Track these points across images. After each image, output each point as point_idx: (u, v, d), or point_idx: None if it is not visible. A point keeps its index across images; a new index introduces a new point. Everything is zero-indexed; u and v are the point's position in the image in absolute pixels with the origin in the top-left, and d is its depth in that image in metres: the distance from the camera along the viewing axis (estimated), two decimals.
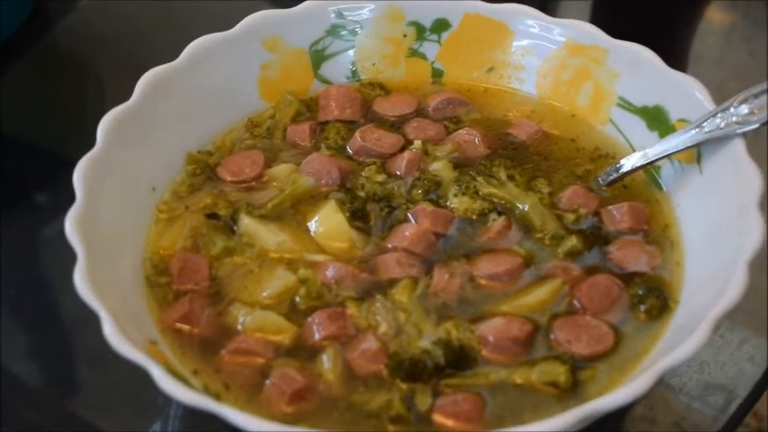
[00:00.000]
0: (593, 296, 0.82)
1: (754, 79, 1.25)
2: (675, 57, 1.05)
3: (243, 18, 0.96)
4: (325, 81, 1.00)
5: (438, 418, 0.76)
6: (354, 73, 1.01)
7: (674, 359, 0.71)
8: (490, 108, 0.99)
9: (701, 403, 0.87)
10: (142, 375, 0.73)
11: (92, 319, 0.74)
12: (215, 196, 0.91)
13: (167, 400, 0.81)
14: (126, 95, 0.89)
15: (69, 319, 0.97)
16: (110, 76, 1.21)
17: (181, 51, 0.93)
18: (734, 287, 0.74)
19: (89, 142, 0.85)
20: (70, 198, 0.81)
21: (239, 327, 0.81)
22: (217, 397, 0.76)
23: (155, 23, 1.27)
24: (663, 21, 1.28)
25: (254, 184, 0.92)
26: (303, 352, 0.80)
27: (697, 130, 0.86)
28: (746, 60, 1.30)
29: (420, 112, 0.98)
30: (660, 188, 0.90)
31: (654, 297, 0.82)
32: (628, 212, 0.88)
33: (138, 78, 0.91)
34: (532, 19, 0.97)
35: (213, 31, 0.95)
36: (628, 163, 0.90)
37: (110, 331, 0.73)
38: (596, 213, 0.89)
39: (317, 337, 0.80)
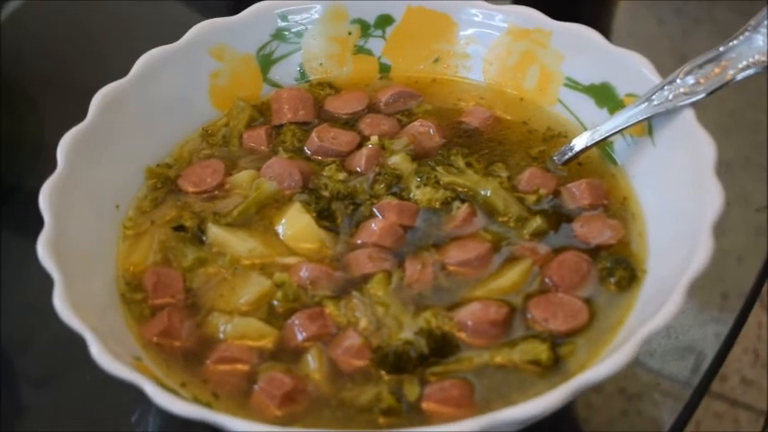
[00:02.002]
0: (564, 273, 0.84)
1: (665, 49, 1.29)
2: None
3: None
4: (275, 85, 1.01)
5: (428, 406, 0.77)
6: (303, 74, 1.01)
7: (652, 327, 0.73)
8: (440, 98, 1.00)
9: (674, 367, 0.90)
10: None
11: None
12: (179, 208, 0.91)
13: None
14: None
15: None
16: (41, 94, 1.20)
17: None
18: (701, 252, 0.76)
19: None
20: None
21: (221, 335, 0.82)
22: (208, 407, 0.77)
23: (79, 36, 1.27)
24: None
25: (216, 192, 0.93)
26: (287, 355, 0.81)
27: (646, 104, 0.89)
28: (656, 30, 1.33)
29: (372, 108, 0.99)
30: (615, 162, 0.93)
31: (622, 268, 0.84)
32: (586, 189, 0.90)
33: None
34: (475, 8, 0.99)
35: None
36: (581, 141, 0.92)
37: (97, 352, 0.73)
38: (556, 192, 0.91)
39: (299, 338, 0.81)
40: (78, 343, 0.75)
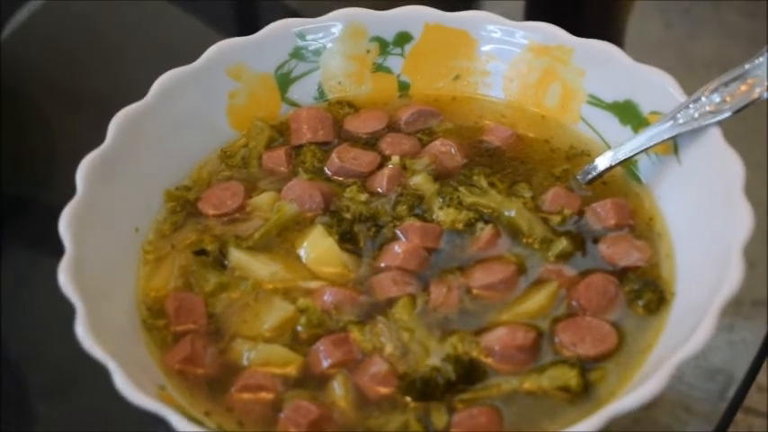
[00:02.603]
0: (591, 296, 0.83)
1: (672, 53, 1.28)
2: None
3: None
4: (294, 104, 1.00)
5: None
6: (321, 93, 1.00)
7: (685, 353, 0.72)
8: (461, 116, 0.99)
9: (701, 390, 0.89)
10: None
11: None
12: (200, 232, 0.90)
13: None
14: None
15: None
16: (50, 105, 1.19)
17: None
18: (733, 275, 0.75)
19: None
20: None
21: (245, 362, 0.81)
22: None
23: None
24: (598, 9, 1.30)
25: (237, 215, 0.91)
26: (312, 382, 0.80)
27: (671, 122, 0.88)
28: (662, 34, 1.32)
29: (392, 127, 0.98)
30: (639, 181, 0.92)
31: (650, 291, 0.83)
32: (612, 209, 0.89)
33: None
34: (494, 24, 0.98)
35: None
36: (605, 160, 0.91)
37: (121, 382, 0.72)
38: (580, 213, 0.90)
39: (324, 365, 0.80)
40: (88, 356, 0.74)
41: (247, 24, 1.38)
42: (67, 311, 0.77)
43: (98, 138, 0.88)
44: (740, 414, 1.47)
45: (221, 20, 1.34)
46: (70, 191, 0.84)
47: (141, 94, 0.92)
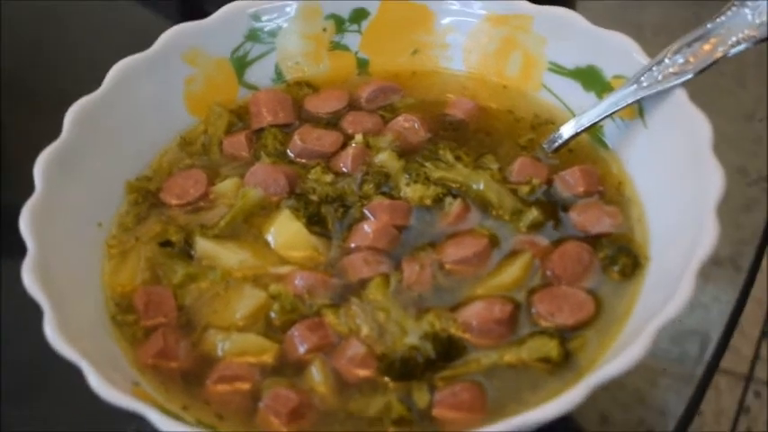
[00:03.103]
0: (566, 265, 0.82)
1: (620, 19, 1.28)
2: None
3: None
4: (251, 87, 0.98)
5: (439, 412, 0.75)
6: (279, 75, 0.99)
7: (665, 317, 0.71)
8: (422, 91, 0.98)
9: (678, 352, 0.89)
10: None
11: None
12: (164, 223, 0.88)
13: None
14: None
15: None
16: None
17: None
18: (707, 237, 0.74)
19: None
20: None
21: (219, 353, 0.79)
22: (213, 429, 0.74)
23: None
24: None
25: (201, 204, 0.90)
26: (289, 368, 0.78)
27: (635, 86, 0.87)
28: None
29: (353, 106, 0.97)
30: (606, 147, 0.91)
31: (624, 256, 0.82)
32: (580, 176, 0.88)
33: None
34: None
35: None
36: (570, 128, 0.90)
37: (96, 382, 0.70)
38: (549, 182, 0.89)
39: (301, 350, 0.78)
40: (53, 356, 0.72)
41: (194, 7, 1.35)
42: (30, 309, 0.75)
43: (47, 132, 0.86)
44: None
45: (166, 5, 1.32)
46: (26, 189, 0.82)
47: (92, 87, 0.90)
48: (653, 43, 0.90)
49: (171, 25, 0.95)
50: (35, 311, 0.75)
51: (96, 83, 0.90)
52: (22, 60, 1.20)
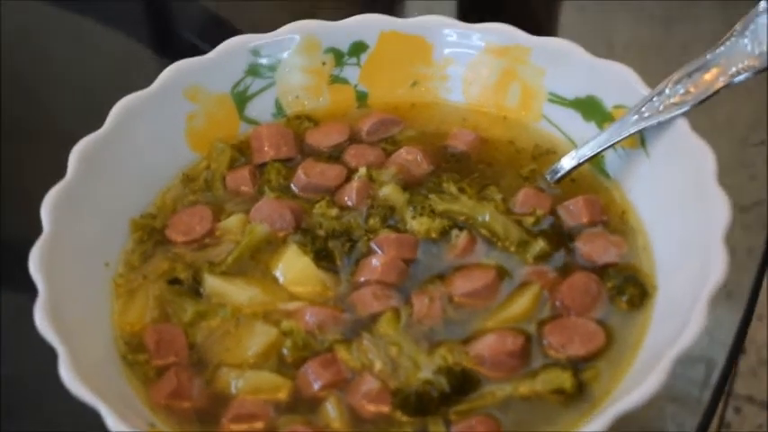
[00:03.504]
0: (575, 296, 0.83)
1: (590, 36, 1.29)
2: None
3: None
4: (252, 122, 0.98)
5: None
6: (279, 109, 0.99)
7: (680, 346, 0.72)
8: (422, 122, 0.98)
9: (684, 380, 0.89)
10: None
11: None
12: (170, 260, 0.88)
13: None
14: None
15: None
16: None
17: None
18: (717, 266, 0.75)
19: None
20: None
21: (233, 391, 0.79)
22: None
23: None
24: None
25: (207, 240, 0.89)
26: (303, 405, 0.78)
27: (636, 116, 0.88)
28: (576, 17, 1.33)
29: (354, 139, 0.97)
30: (608, 176, 0.92)
31: (632, 286, 0.83)
32: (584, 206, 0.89)
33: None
34: (449, 28, 0.97)
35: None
36: (572, 159, 0.91)
37: (115, 425, 0.70)
38: (553, 212, 0.89)
39: (315, 387, 0.79)
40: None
41: (161, 27, 1.35)
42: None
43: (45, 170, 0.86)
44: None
45: (136, 24, 1.32)
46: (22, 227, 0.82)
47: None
48: (623, 59, 0.92)
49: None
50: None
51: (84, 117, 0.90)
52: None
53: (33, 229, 0.82)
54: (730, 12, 1.30)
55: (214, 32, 1.29)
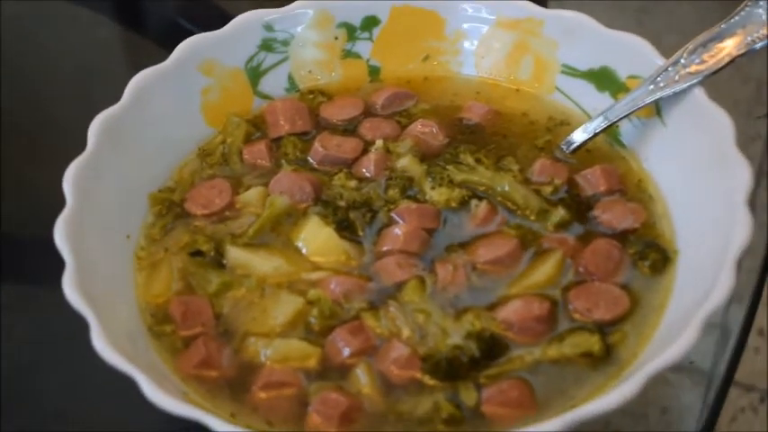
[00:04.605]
0: (598, 262, 0.83)
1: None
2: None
3: None
4: (266, 97, 0.98)
5: (488, 409, 0.76)
6: (292, 84, 0.99)
7: (712, 304, 0.73)
8: (435, 96, 0.99)
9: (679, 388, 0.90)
10: None
11: None
12: (191, 233, 0.88)
13: None
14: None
15: None
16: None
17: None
18: (741, 229, 0.76)
19: None
20: None
21: (262, 359, 0.79)
22: None
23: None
24: None
25: (227, 213, 0.89)
26: (333, 372, 0.79)
27: (652, 86, 0.89)
28: None
29: (369, 112, 0.97)
30: (623, 146, 0.93)
31: (654, 251, 0.84)
32: (601, 175, 0.90)
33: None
34: (461, 2, 0.98)
35: None
36: (588, 128, 0.92)
37: (151, 392, 0.70)
38: (570, 181, 0.90)
39: (345, 354, 0.79)
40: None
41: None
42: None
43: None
44: None
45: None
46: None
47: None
48: None
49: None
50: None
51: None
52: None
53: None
54: (702, 5, 1.32)
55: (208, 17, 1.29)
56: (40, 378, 0.90)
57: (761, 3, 0.87)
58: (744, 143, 0.82)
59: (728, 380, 0.91)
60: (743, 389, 1.90)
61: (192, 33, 0.95)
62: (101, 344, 0.73)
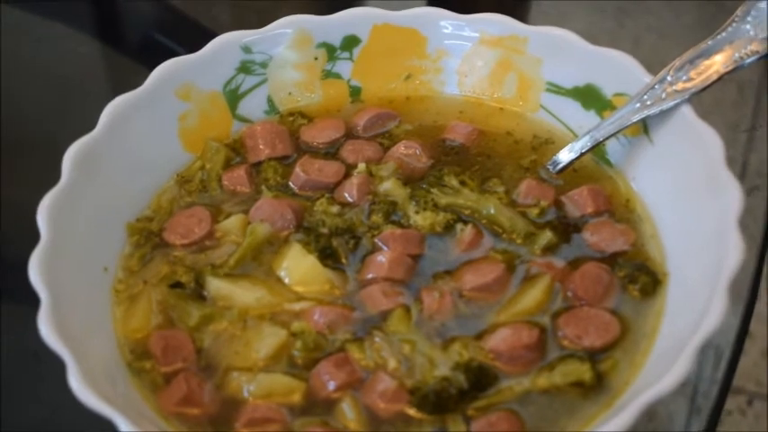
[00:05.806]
0: (587, 286, 0.82)
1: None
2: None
3: None
4: (245, 120, 0.96)
5: None
6: (272, 106, 0.97)
7: (705, 332, 0.71)
8: (418, 116, 0.97)
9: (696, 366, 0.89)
10: None
11: None
12: (170, 264, 0.86)
13: None
14: None
15: None
16: None
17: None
18: (734, 251, 0.75)
19: None
20: None
21: (245, 395, 0.77)
22: None
23: None
24: None
25: (206, 242, 0.87)
26: (318, 407, 0.77)
27: (639, 104, 0.87)
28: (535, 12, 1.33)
29: (350, 134, 0.95)
30: (610, 165, 0.91)
31: (643, 274, 0.82)
32: (588, 196, 0.88)
33: None
34: (443, 19, 0.96)
35: None
36: (574, 148, 0.90)
37: None
38: (556, 203, 0.88)
39: (330, 388, 0.77)
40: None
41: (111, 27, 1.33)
42: None
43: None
44: None
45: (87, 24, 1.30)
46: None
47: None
48: None
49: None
50: None
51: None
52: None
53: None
54: (679, 5, 1.31)
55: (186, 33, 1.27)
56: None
57: (748, 19, 0.85)
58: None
59: (726, 386, 0.90)
60: (730, 391, 1.88)
61: (172, 50, 0.93)
62: (77, 384, 0.70)
